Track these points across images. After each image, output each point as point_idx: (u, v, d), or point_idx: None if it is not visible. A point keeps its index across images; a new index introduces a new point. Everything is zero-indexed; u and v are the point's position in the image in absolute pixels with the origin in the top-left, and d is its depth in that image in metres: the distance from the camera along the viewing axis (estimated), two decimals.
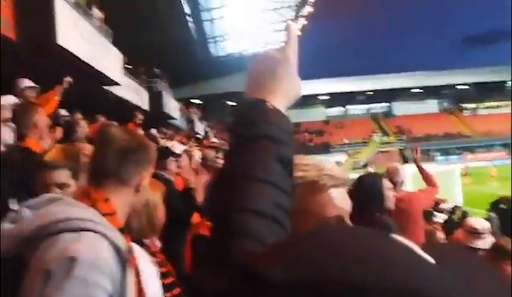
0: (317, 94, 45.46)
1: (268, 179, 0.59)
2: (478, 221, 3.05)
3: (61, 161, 1.78)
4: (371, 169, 19.19)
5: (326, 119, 48.65)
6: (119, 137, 1.26)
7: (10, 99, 4.08)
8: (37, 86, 4.42)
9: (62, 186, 1.75)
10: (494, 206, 5.50)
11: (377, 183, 2.53)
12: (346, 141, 42.85)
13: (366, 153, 39.43)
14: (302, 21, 25.14)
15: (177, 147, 5.44)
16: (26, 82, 4.43)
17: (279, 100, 0.68)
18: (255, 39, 27.65)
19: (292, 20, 26.04)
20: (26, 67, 6.67)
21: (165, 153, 3.96)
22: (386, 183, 2.58)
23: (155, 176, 3.76)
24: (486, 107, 49.46)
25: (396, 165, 3.71)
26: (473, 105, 49.64)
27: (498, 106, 48.48)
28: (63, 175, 1.76)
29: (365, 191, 2.43)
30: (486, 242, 2.73)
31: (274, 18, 25.87)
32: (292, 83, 0.70)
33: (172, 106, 18.09)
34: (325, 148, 40.41)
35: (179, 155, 4.38)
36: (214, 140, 20.30)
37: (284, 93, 0.69)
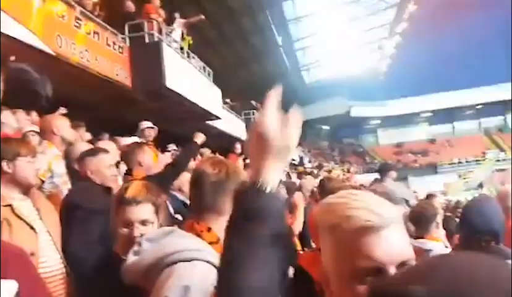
0: (419, 112, 42.90)
1: (262, 259, 0.71)
2: None
3: (144, 197, 1.68)
4: (486, 190, 17.30)
5: (432, 137, 45.23)
6: (209, 173, 1.38)
7: (132, 140, 4.69)
8: (154, 126, 5.03)
9: (145, 222, 1.66)
10: None
11: (491, 207, 2.28)
12: (456, 160, 39.25)
13: (479, 172, 35.66)
14: (397, 39, 24.26)
15: None
16: (146, 123, 5.06)
17: (273, 164, 0.76)
18: (347, 62, 27.37)
19: (385, 38, 25.32)
20: (142, 109, 7.51)
21: None
22: (499, 207, 2.34)
23: None
24: None
25: (507, 188, 3.31)
26: None
27: None
28: (147, 211, 1.68)
29: (477, 217, 2.23)
30: None
31: (367, 39, 25.41)
32: (281, 142, 0.77)
33: None
34: (432, 169, 37.49)
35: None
36: (308, 164, 20.27)
37: (275, 153, 0.77)
